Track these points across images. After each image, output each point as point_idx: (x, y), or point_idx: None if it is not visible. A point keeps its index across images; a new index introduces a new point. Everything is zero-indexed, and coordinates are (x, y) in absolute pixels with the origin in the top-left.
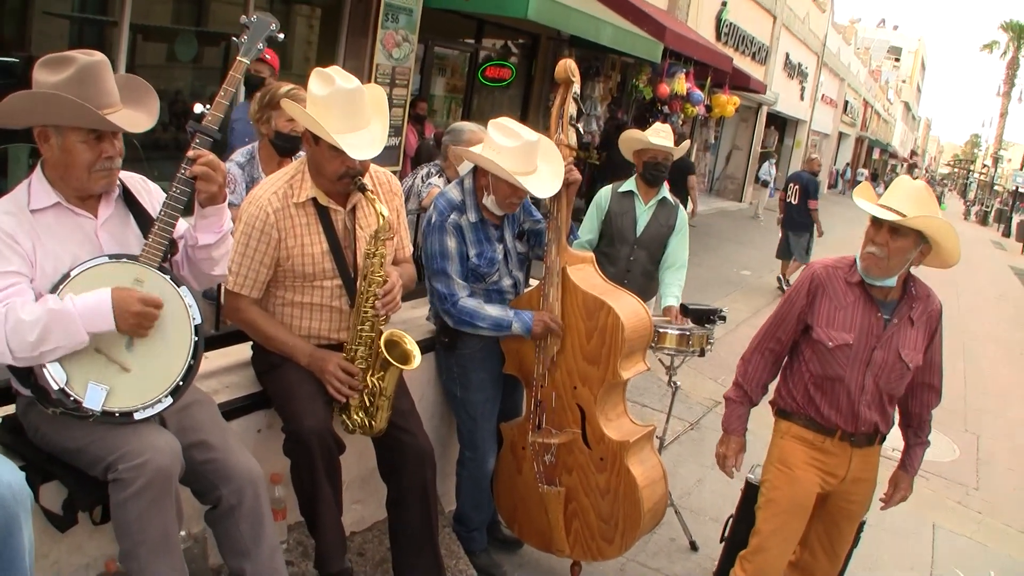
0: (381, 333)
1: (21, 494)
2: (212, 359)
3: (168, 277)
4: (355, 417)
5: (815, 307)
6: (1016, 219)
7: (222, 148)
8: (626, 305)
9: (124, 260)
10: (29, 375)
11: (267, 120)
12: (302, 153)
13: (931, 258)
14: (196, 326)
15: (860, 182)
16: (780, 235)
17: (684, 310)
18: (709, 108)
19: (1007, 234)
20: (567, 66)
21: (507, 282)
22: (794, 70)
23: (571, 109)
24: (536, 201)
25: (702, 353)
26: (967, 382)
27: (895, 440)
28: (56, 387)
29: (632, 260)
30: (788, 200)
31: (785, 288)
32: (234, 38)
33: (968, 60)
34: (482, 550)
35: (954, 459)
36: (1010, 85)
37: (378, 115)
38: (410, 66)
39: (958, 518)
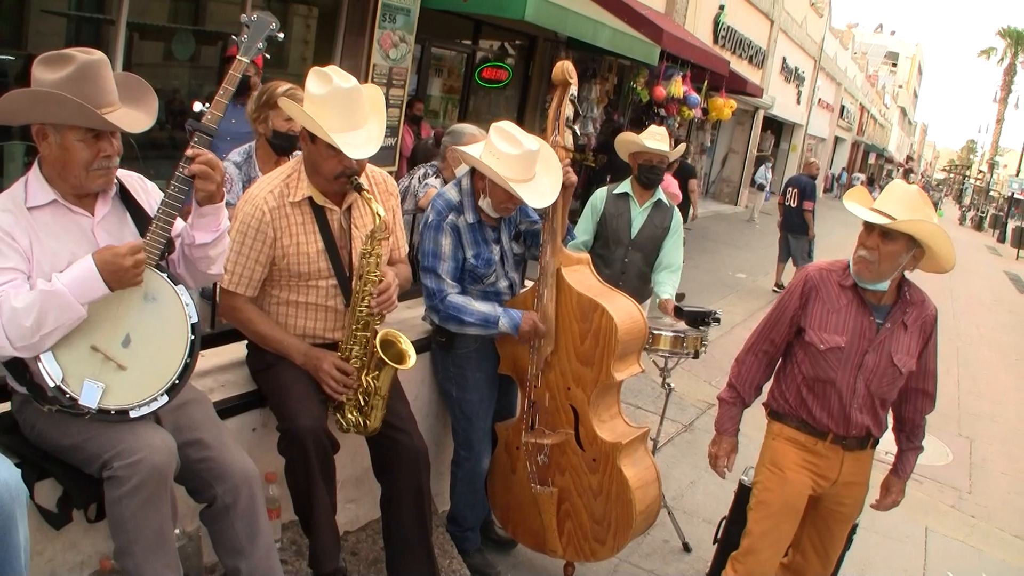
0: (376, 333)
1: (17, 491)
2: (208, 358)
3: (165, 275)
4: (350, 416)
5: (808, 309)
6: (1011, 225)
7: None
8: (620, 307)
9: None
10: (25, 372)
11: (264, 119)
12: (299, 152)
13: (926, 263)
14: (192, 324)
15: (856, 187)
16: (779, 237)
17: (679, 312)
18: (706, 111)
19: (1002, 239)
20: (564, 68)
21: (503, 283)
22: (791, 74)
23: (568, 111)
24: None
25: (696, 355)
26: (961, 386)
27: (889, 444)
28: (52, 384)
29: (627, 262)
30: (787, 203)
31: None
32: (233, 37)
33: (965, 66)
34: (476, 550)
35: (947, 463)
36: (1007, 91)
37: (375, 115)
38: (407, 66)
39: (951, 522)
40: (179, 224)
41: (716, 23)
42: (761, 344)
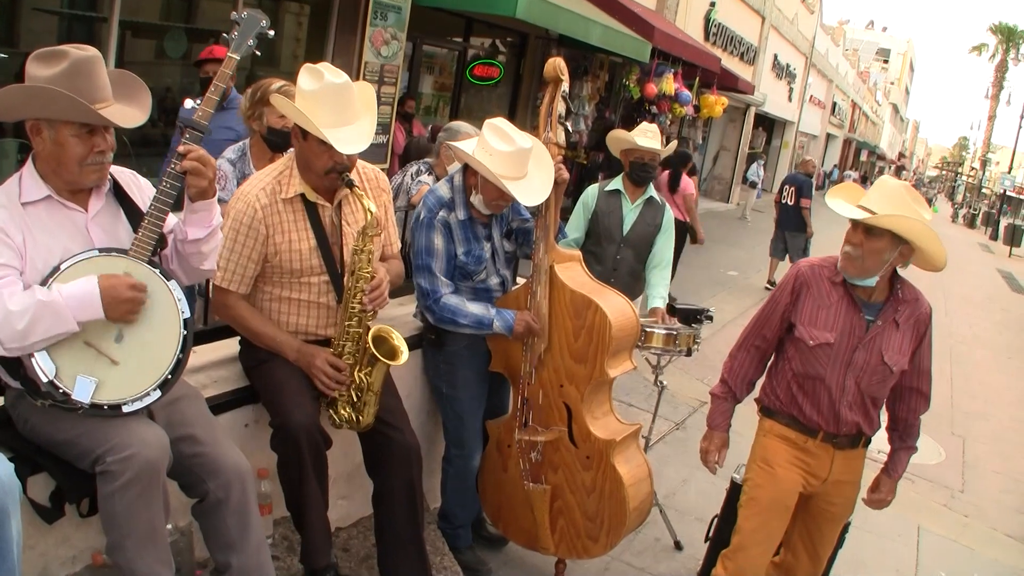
0: (369, 329)
1: (9, 485)
2: (201, 354)
3: (158, 271)
4: (342, 412)
5: (799, 305)
6: (1004, 222)
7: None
8: (614, 304)
9: (114, 254)
10: (19, 367)
11: (259, 117)
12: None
13: (919, 261)
14: (185, 320)
15: (847, 182)
16: (773, 235)
17: (671, 310)
18: (697, 108)
19: (995, 237)
20: (556, 64)
21: (494, 280)
22: (782, 71)
23: (560, 108)
24: None
25: (689, 353)
26: (954, 385)
27: (883, 443)
28: (45, 379)
29: (619, 259)
30: (784, 201)
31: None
32: (224, 34)
33: (957, 62)
34: (467, 547)
35: (940, 462)
36: (998, 88)
37: (366, 111)
38: (398, 64)
39: (944, 521)
40: (172, 220)
41: (707, 20)
42: (753, 340)
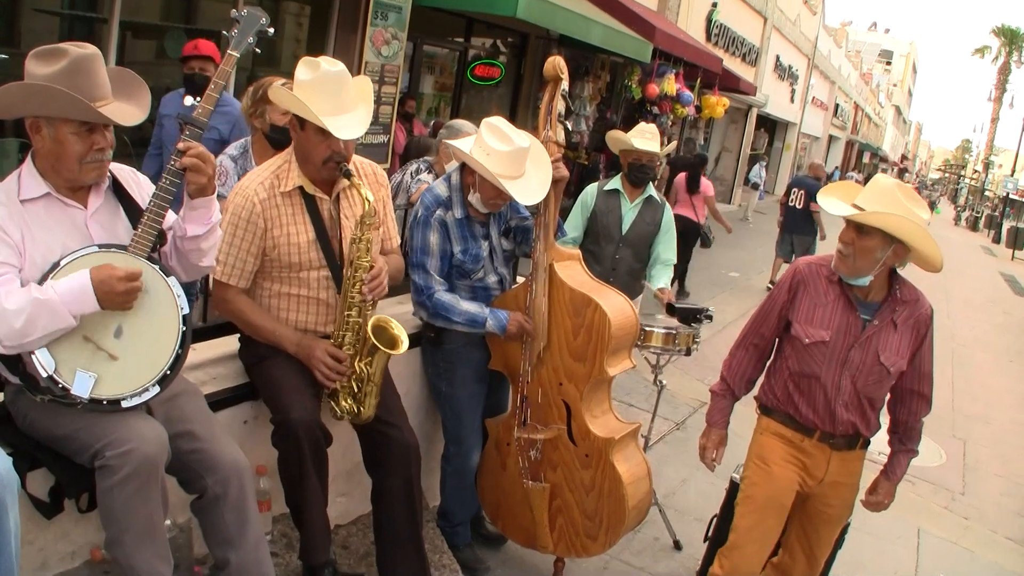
0: (368, 319)
1: (8, 478)
2: (200, 351)
3: (157, 267)
4: (343, 404)
5: (796, 303)
6: (1006, 225)
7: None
8: (613, 302)
9: (113, 250)
10: (18, 363)
11: (261, 115)
12: None
13: (916, 260)
14: (184, 316)
15: (844, 180)
16: (779, 237)
17: (671, 309)
18: (699, 109)
19: (997, 240)
20: (556, 63)
21: (492, 279)
22: (784, 72)
23: (559, 106)
24: None
25: (688, 352)
26: (955, 388)
27: (884, 445)
28: (45, 374)
29: (617, 258)
30: (792, 204)
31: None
32: (224, 32)
33: (960, 65)
34: (466, 545)
35: (941, 464)
36: (1001, 90)
37: (363, 101)
38: (399, 64)
39: (944, 523)
40: (171, 216)
41: (709, 21)
42: (752, 337)
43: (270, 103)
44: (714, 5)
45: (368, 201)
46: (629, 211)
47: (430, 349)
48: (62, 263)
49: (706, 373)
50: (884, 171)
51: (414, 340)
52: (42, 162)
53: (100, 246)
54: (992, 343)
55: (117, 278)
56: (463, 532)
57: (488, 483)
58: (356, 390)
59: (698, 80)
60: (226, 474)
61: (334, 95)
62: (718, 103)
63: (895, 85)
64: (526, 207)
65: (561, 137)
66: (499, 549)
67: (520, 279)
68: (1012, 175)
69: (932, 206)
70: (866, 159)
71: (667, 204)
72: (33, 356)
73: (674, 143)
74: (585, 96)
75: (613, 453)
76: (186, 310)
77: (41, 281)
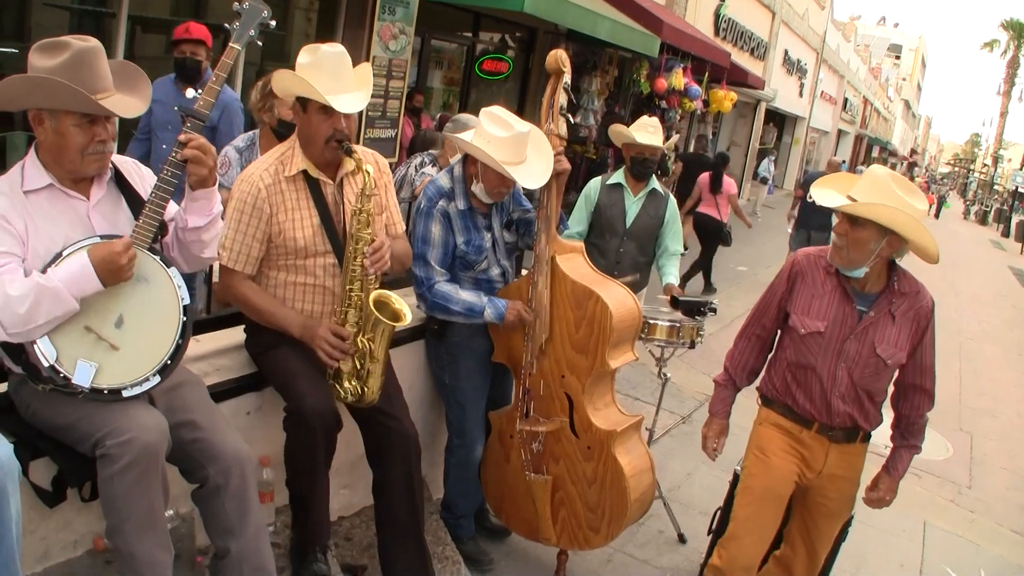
0: (371, 293)
1: (9, 465)
2: (203, 342)
3: (158, 258)
4: (347, 385)
5: (794, 294)
6: (1015, 219)
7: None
8: (615, 295)
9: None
10: (20, 353)
11: (269, 108)
12: None
13: (914, 251)
14: (184, 306)
15: (840, 172)
16: (793, 232)
17: (675, 302)
18: (706, 103)
19: (1006, 234)
20: (558, 56)
21: (495, 271)
22: (793, 66)
23: (562, 99)
24: (529, 193)
25: (692, 345)
26: (962, 381)
27: (889, 439)
28: (46, 364)
29: (621, 252)
30: (810, 200)
31: None
32: (226, 25)
33: (969, 58)
34: (469, 537)
35: (947, 458)
36: (1010, 84)
37: (364, 85)
38: (407, 59)
39: (950, 517)
40: (173, 208)
41: (717, 15)
42: (753, 328)
43: (278, 97)
44: (722, 0)
45: (367, 173)
46: (633, 204)
47: (434, 342)
48: (64, 253)
49: (713, 367)
50: (893, 165)
51: (418, 333)
52: (45, 154)
53: (102, 237)
54: (1000, 337)
55: (117, 252)
56: (467, 524)
57: (491, 475)
58: (359, 367)
59: (706, 74)
60: (227, 464)
61: (335, 74)
62: (726, 97)
63: (904, 79)
64: (527, 201)
65: (563, 130)
66: (503, 542)
67: (525, 272)
68: (1021, 169)
69: (942, 200)
70: (875, 153)
71: (671, 196)
72: (35, 346)
73: (676, 136)
74: (593, 91)
75: (615, 446)
76: (187, 300)
77: (43, 271)
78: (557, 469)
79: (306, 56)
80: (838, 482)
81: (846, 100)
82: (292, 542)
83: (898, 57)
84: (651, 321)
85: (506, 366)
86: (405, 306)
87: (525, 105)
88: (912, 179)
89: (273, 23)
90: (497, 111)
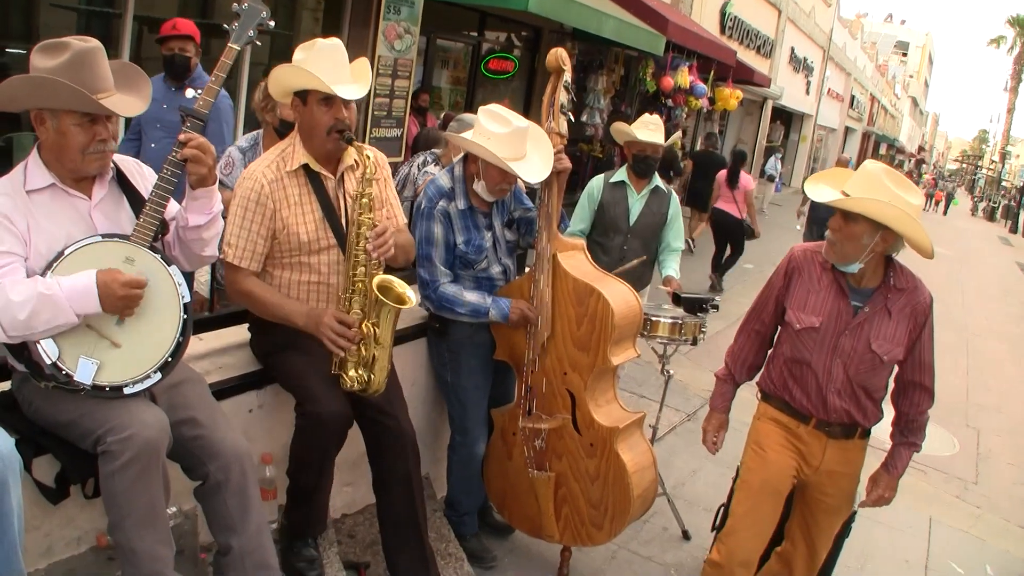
0: (374, 278)
1: (10, 458)
2: (207, 340)
3: (159, 256)
4: (352, 373)
5: (791, 289)
6: (1023, 215)
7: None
8: (616, 292)
9: (116, 239)
10: (23, 350)
11: (271, 109)
12: None
13: (910, 245)
14: (185, 304)
15: (834, 167)
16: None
17: (676, 299)
18: (712, 101)
19: (1014, 230)
20: (558, 55)
21: (496, 269)
22: (799, 64)
23: (562, 97)
24: (531, 191)
25: (694, 342)
26: (969, 377)
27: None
28: (49, 361)
29: (625, 249)
30: None
31: None
32: (225, 25)
33: (976, 55)
34: (472, 534)
35: (954, 454)
36: (1017, 80)
37: (359, 76)
38: (412, 58)
39: (956, 513)
40: (174, 207)
41: (723, 14)
42: (752, 323)
43: None
44: None
45: (368, 157)
46: (636, 202)
47: (435, 340)
48: (66, 252)
49: (718, 365)
50: (901, 162)
51: (420, 331)
52: (47, 153)
53: (103, 235)
54: (1007, 333)
55: (120, 283)
56: (470, 522)
57: (494, 472)
58: (363, 353)
59: (712, 72)
60: (227, 460)
61: (333, 65)
62: (732, 95)
63: (911, 76)
64: (529, 199)
65: (563, 128)
66: (506, 539)
67: (528, 271)
68: None
69: (949, 197)
70: (883, 151)
71: (673, 193)
72: (37, 344)
73: (677, 134)
74: (599, 89)
75: (617, 442)
76: (187, 298)
77: (45, 270)
78: (560, 466)
79: (302, 52)
80: (837, 478)
81: (853, 97)
82: (283, 527)
83: (905, 54)
84: (653, 318)
85: (508, 364)
86: (409, 290)
87: (531, 104)
88: (920, 176)
89: (272, 23)
90: (495, 108)
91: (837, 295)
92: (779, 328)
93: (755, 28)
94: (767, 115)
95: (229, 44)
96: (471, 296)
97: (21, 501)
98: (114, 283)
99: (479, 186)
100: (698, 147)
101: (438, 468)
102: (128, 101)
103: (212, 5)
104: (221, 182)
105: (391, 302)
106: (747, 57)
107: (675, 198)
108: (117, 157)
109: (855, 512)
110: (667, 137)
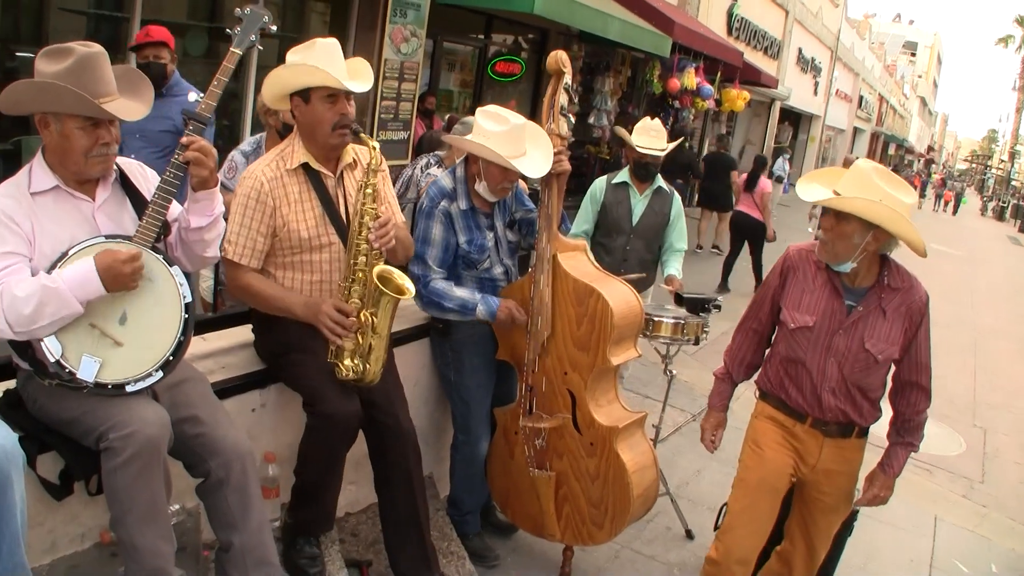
0: (374, 267)
1: (13, 453)
2: (210, 340)
3: (161, 257)
4: (348, 363)
5: (786, 288)
6: None
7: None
8: (616, 292)
9: (119, 240)
10: (27, 348)
11: (274, 112)
12: None
13: (905, 243)
14: (186, 304)
15: (828, 167)
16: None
17: (679, 299)
18: (719, 102)
19: (1023, 229)
20: (558, 57)
21: (498, 270)
22: (807, 65)
23: (562, 99)
24: (533, 193)
25: (697, 342)
26: (977, 377)
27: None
28: (52, 359)
29: (628, 250)
30: None
31: None
32: (228, 30)
33: (985, 54)
34: (475, 533)
35: (960, 453)
36: None
37: (356, 74)
38: (418, 61)
39: (962, 512)
40: (176, 209)
41: (730, 15)
42: (749, 323)
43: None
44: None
45: (374, 148)
46: (638, 203)
47: (438, 339)
48: (70, 253)
49: None
50: (910, 163)
51: (423, 331)
52: (51, 156)
53: (107, 237)
54: (1015, 332)
55: (122, 261)
56: (472, 520)
57: (497, 471)
58: (359, 342)
59: (718, 73)
60: (228, 458)
61: (335, 62)
62: (739, 96)
63: (920, 76)
64: (530, 201)
65: (563, 129)
66: (509, 538)
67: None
68: None
69: (959, 197)
70: (892, 151)
71: (676, 194)
72: (41, 342)
73: (679, 140)
74: (606, 91)
75: (617, 441)
76: (188, 298)
77: (50, 270)
78: (560, 465)
79: (299, 53)
80: (834, 477)
81: (861, 98)
82: (287, 525)
83: (913, 54)
84: (655, 319)
85: (510, 363)
86: (408, 281)
87: (538, 106)
88: (929, 176)
89: (274, 28)
90: (492, 108)
91: (831, 294)
92: (776, 327)
93: (762, 29)
94: (775, 116)
95: (231, 49)
96: (460, 292)
97: (24, 495)
98: (117, 262)
99: (481, 186)
100: (706, 148)
101: (441, 467)
102: (131, 105)
103: (220, 10)
104: (223, 185)
105: (390, 292)
106: (754, 58)
107: (678, 199)
108: (120, 160)
109: (857, 511)
110: (673, 139)
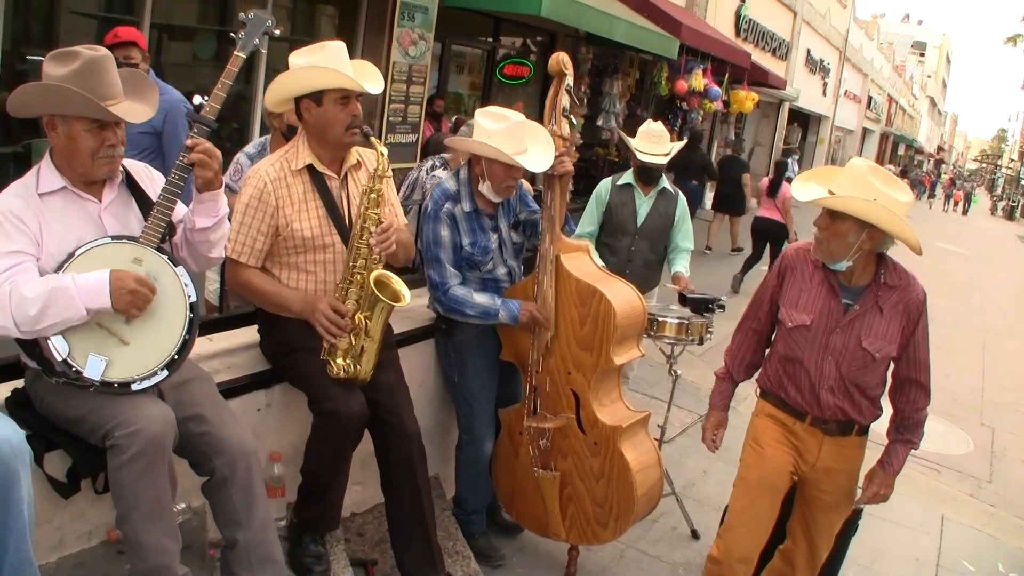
0: (373, 271)
1: (20, 449)
2: (216, 340)
3: (166, 257)
4: (339, 361)
5: (784, 288)
6: None
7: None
8: (618, 292)
9: (125, 240)
10: (35, 347)
11: (279, 114)
12: None
13: (902, 242)
14: (191, 303)
15: (823, 166)
16: None
17: (683, 299)
18: (727, 104)
19: None
20: (560, 59)
21: (502, 271)
22: (816, 66)
23: (564, 101)
24: (537, 196)
25: (701, 342)
26: (985, 376)
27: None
28: (59, 358)
29: (633, 250)
30: None
31: None
32: (232, 34)
33: (994, 54)
34: (480, 533)
35: (968, 452)
36: None
37: (363, 76)
38: (426, 64)
39: (969, 511)
40: (181, 210)
41: (738, 16)
42: (749, 322)
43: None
44: (742, 1)
45: (382, 155)
46: (643, 204)
47: (442, 340)
48: (76, 253)
49: None
50: (920, 163)
51: (428, 332)
52: (58, 158)
53: (112, 237)
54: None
55: (132, 278)
56: (478, 520)
57: (502, 472)
58: (352, 343)
59: (726, 75)
60: (233, 456)
61: (344, 64)
62: (747, 98)
63: (929, 76)
64: (534, 203)
65: (566, 131)
66: (515, 538)
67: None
68: None
69: (968, 197)
70: (901, 151)
71: (680, 195)
72: (49, 341)
73: (681, 142)
74: (615, 93)
75: (621, 441)
76: (193, 298)
77: (57, 270)
78: (565, 465)
79: (307, 56)
80: (834, 475)
81: (870, 98)
82: (292, 523)
83: (922, 54)
84: (660, 319)
85: (514, 364)
86: (405, 287)
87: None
88: (939, 176)
89: (278, 32)
90: (491, 109)
91: (828, 293)
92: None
93: (770, 30)
94: (784, 117)
95: (235, 53)
96: (481, 298)
97: (31, 492)
98: (127, 278)
99: (485, 187)
100: (715, 150)
101: (447, 467)
102: (136, 108)
103: (230, 13)
104: (228, 187)
105: (386, 298)
106: (763, 59)
107: (683, 200)
108: (127, 161)
109: (861, 510)
110: (685, 142)
